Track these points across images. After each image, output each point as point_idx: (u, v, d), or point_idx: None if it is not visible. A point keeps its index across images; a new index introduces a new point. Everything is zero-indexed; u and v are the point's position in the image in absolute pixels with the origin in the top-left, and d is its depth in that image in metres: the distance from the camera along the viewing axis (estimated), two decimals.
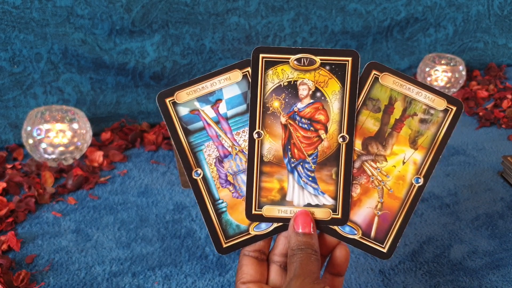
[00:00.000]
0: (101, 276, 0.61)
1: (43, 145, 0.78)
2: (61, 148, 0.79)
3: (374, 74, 0.42)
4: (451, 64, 1.08)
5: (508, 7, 1.19)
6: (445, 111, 0.41)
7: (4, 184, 0.75)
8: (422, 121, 0.42)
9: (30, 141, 0.78)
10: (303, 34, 1.06)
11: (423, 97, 0.42)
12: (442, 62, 1.09)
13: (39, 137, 0.78)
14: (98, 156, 0.84)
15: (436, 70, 1.06)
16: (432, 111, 0.42)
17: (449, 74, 1.05)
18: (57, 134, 0.78)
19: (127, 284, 0.60)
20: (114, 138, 0.90)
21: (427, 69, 1.07)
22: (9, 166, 0.81)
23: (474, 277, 0.61)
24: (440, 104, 0.41)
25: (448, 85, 1.06)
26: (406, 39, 1.16)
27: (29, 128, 0.78)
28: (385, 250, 0.42)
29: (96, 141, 0.89)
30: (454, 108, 0.41)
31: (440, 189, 0.78)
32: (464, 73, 1.06)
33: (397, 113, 0.42)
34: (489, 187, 0.78)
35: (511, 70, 1.22)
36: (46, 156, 0.79)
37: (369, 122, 0.42)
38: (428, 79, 1.07)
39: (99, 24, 0.88)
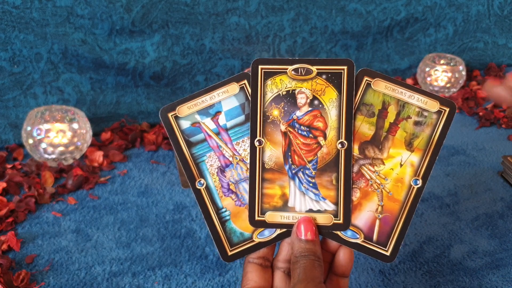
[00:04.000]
0: (101, 276, 0.61)
1: (43, 145, 0.78)
2: (61, 148, 0.79)
3: (366, 80, 0.42)
4: (451, 64, 1.08)
5: (508, 7, 1.19)
6: (439, 112, 0.42)
7: (4, 184, 0.75)
8: (417, 123, 0.42)
9: (30, 141, 0.78)
10: (303, 34, 1.05)
11: (416, 100, 0.42)
12: (442, 62, 1.09)
13: (39, 137, 0.78)
14: (98, 156, 0.84)
15: (436, 70, 1.06)
16: (425, 113, 0.42)
17: (449, 74, 1.05)
18: (57, 134, 0.78)
19: (127, 284, 0.60)
20: (114, 138, 0.90)
21: (427, 69, 1.07)
22: (9, 166, 0.81)
23: (474, 277, 0.61)
24: (433, 106, 0.42)
25: (448, 85, 1.06)
26: (406, 39, 1.16)
27: (29, 128, 0.78)
28: (388, 253, 0.42)
29: (96, 141, 0.89)
30: (447, 109, 0.42)
31: (440, 189, 0.78)
32: (464, 73, 1.06)
33: (391, 117, 0.42)
34: (489, 187, 0.78)
35: (511, 70, 1.21)
36: (46, 156, 0.79)
37: (364, 127, 0.42)
38: (428, 79, 1.07)
39: (99, 24, 0.88)
